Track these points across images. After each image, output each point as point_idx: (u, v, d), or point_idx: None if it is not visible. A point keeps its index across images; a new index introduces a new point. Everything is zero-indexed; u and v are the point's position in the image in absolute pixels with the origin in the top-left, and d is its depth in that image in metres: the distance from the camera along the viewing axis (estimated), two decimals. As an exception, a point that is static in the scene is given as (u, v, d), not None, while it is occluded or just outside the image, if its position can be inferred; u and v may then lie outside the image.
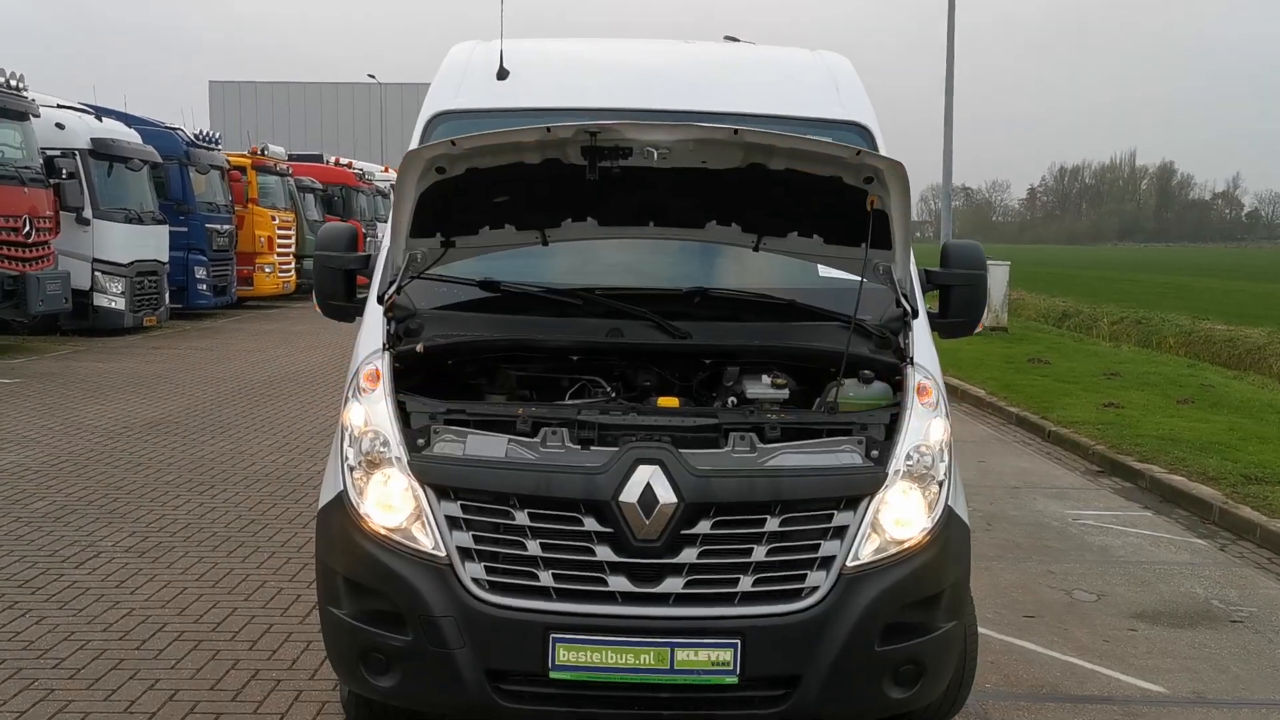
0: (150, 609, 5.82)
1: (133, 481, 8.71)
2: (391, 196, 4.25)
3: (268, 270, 25.38)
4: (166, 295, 20.90)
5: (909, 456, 3.82)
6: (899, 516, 3.79)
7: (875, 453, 3.84)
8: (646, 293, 4.51)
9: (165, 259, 20.74)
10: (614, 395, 4.40)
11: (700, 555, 3.61)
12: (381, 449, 3.85)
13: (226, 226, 23.76)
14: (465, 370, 4.48)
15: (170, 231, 21.06)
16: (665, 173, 4.03)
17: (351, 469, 3.90)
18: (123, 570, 6.44)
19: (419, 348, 4.17)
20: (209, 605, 5.88)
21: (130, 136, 20.49)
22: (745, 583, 3.63)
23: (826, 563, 3.67)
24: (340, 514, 3.87)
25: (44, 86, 19.12)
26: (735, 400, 4.33)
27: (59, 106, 19.45)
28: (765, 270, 4.76)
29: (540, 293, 4.50)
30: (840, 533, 3.69)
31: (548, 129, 3.79)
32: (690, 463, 3.64)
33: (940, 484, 3.88)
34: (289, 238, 26.89)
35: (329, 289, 4.86)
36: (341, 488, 3.92)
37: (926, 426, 3.91)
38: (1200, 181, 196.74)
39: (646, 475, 3.62)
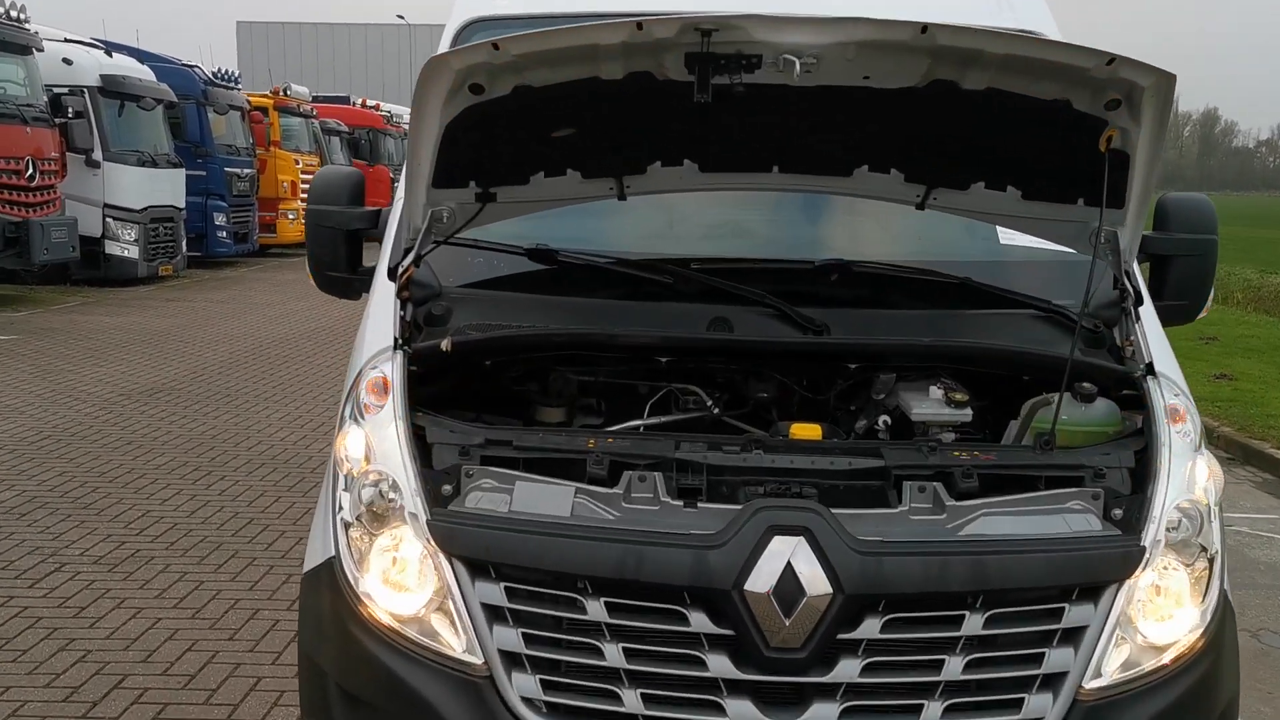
0: (109, 652, 4.65)
1: (119, 465, 7.60)
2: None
3: (291, 217, 24.20)
4: (183, 243, 19.81)
5: (1171, 519, 2.57)
6: (1161, 611, 2.54)
7: (1119, 512, 2.60)
8: (764, 266, 3.26)
9: (182, 204, 19.63)
10: (717, 411, 3.14)
11: (865, 671, 2.42)
12: (390, 498, 2.64)
13: (247, 170, 22.58)
14: (509, 375, 3.23)
15: (187, 175, 19.94)
16: (805, 95, 2.74)
17: (347, 525, 2.69)
18: (85, 592, 5.29)
19: (445, 344, 2.93)
20: (183, 647, 4.70)
21: (143, 74, 19.31)
22: (933, 711, 2.41)
23: (1054, 682, 2.47)
24: (331, 589, 2.69)
25: (50, 20, 17.94)
26: (888, 422, 3.06)
27: (66, 41, 18.26)
28: (927, 236, 3.49)
29: (614, 266, 3.25)
30: (1074, 637, 2.47)
31: (638, 24, 2.53)
32: (849, 530, 2.40)
33: (1212, 558, 2.62)
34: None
35: (326, 255, 3.62)
36: (333, 552, 2.71)
37: (1189, 470, 2.66)
38: (1244, 129, 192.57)
39: (785, 551, 2.41)
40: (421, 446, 2.72)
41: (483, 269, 3.33)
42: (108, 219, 17.96)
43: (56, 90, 16.90)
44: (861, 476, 2.68)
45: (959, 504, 2.58)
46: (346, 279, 3.63)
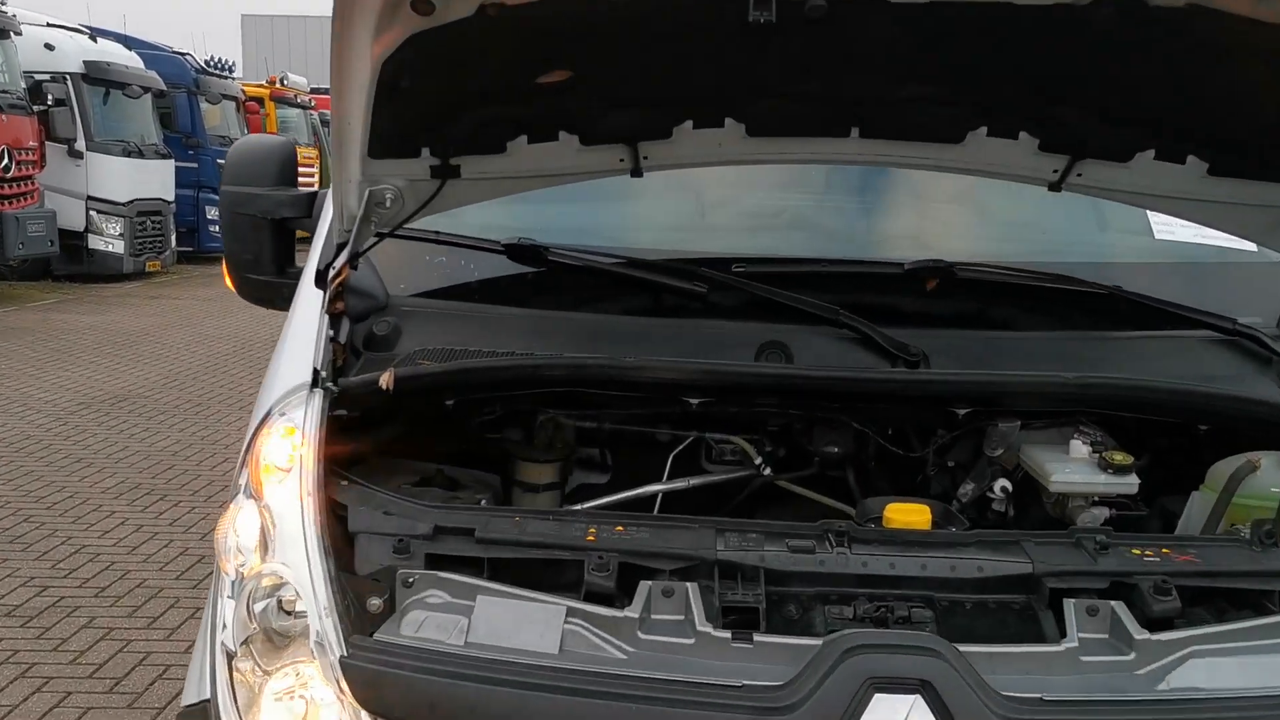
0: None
1: (63, 488, 6.73)
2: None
3: (288, 211, 23.34)
4: (173, 238, 18.95)
5: None
6: None
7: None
8: (834, 270, 2.37)
9: (171, 197, 18.76)
10: (767, 472, 2.26)
11: None
12: (292, 615, 1.72)
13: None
14: (480, 419, 2.34)
15: (178, 167, 19.05)
16: (908, 18, 1.83)
17: (230, 655, 1.78)
18: (-21, 664, 4.38)
19: (384, 380, 2.03)
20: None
21: (130, 60, 18.47)
22: None
23: None
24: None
25: (32, 4, 17.12)
26: (1008, 489, 2.17)
27: (49, 26, 17.41)
28: (1056, 229, 2.59)
29: (625, 269, 2.36)
30: None
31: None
32: (989, 681, 1.49)
33: None
34: (312, 176, 24.81)
35: (245, 251, 2.74)
36: (208, 692, 1.81)
37: None
38: None
39: (894, 718, 1.49)
40: (341, 535, 1.83)
41: (444, 272, 2.44)
42: (91, 212, 17.12)
43: (37, 77, 16.05)
44: (999, 589, 1.78)
45: (1153, 637, 1.68)
46: (272, 284, 2.74)
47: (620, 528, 1.90)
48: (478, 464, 2.55)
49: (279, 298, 2.76)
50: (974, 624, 1.75)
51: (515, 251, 2.40)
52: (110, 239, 17.36)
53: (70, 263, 16.85)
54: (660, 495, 2.37)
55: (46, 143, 16.16)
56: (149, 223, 18.15)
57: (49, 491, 6.64)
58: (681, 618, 1.73)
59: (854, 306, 2.30)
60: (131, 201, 17.56)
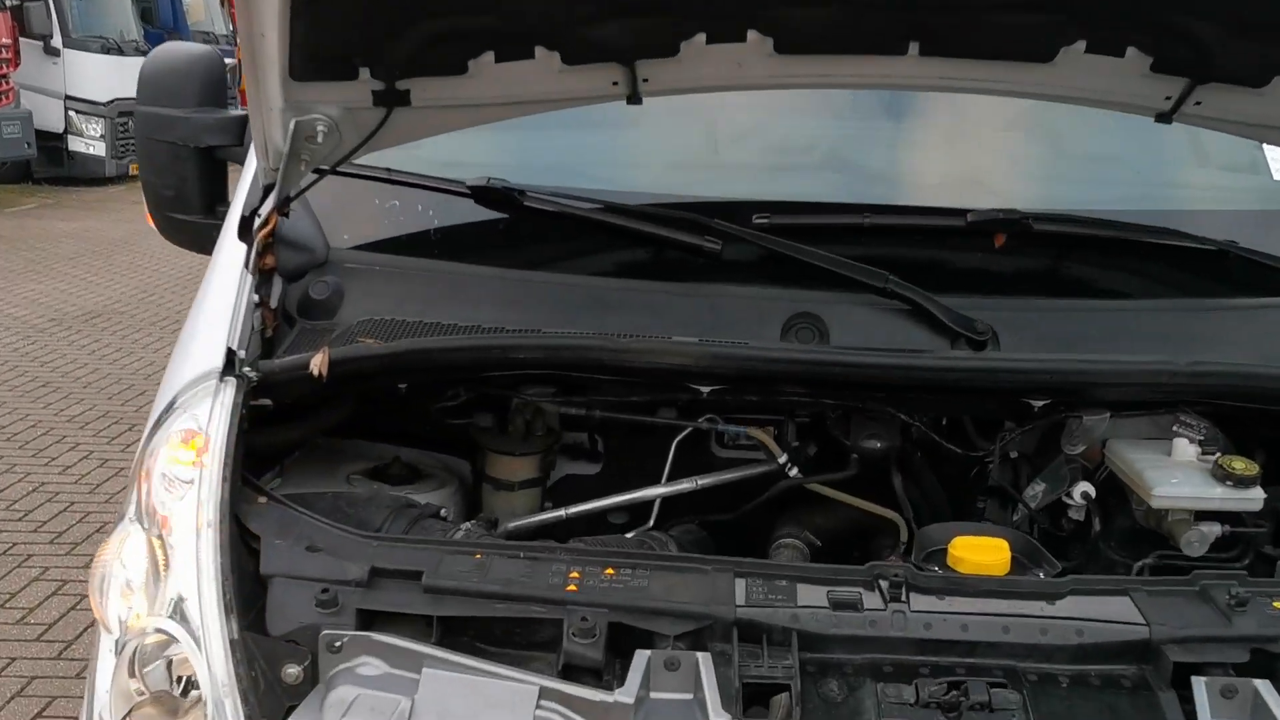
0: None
1: (25, 416, 6.37)
2: None
3: (277, 110, 22.64)
4: (156, 139, 18.31)
5: None
6: None
7: None
8: (879, 224, 1.91)
9: (153, 96, 18.06)
10: (794, 472, 1.84)
11: None
12: (184, 683, 1.29)
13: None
14: (444, 404, 1.91)
15: (159, 65, 18.30)
16: None
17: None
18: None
19: (315, 364, 1.59)
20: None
21: (107, -51, 17.61)
22: None
23: None
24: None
25: (0, -113, 16.21)
26: (1090, 496, 1.74)
27: (20, -89, 16.55)
28: (1151, 171, 2.11)
29: (618, 219, 1.91)
30: None
31: None
32: None
33: None
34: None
35: (165, 185, 2.28)
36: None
37: None
38: None
39: None
40: (252, 579, 1.41)
41: (396, 220, 2.00)
42: (70, 112, 16.48)
43: (9, -31, 15.28)
44: (1104, 658, 1.36)
45: None
46: (200, 225, 2.29)
47: (610, 570, 1.48)
48: (446, 446, 2.13)
49: (210, 242, 2.30)
50: (1073, 709, 1.35)
51: (483, 195, 1.94)
52: (91, 140, 16.75)
53: (50, 165, 16.30)
54: (660, 500, 1.96)
55: (21, 39, 15.46)
56: (131, 123, 17.52)
57: (10, 420, 6.24)
58: (690, 697, 1.33)
59: (904, 268, 1.85)
60: (112, 101, 16.87)
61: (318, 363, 1.70)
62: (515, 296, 1.87)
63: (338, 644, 1.40)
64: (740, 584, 1.47)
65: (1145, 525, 1.82)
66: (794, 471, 1.95)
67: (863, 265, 1.83)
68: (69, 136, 16.52)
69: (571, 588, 1.45)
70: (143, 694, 1.42)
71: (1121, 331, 1.85)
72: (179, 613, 1.43)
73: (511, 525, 2.02)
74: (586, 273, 1.91)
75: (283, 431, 1.84)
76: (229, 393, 1.64)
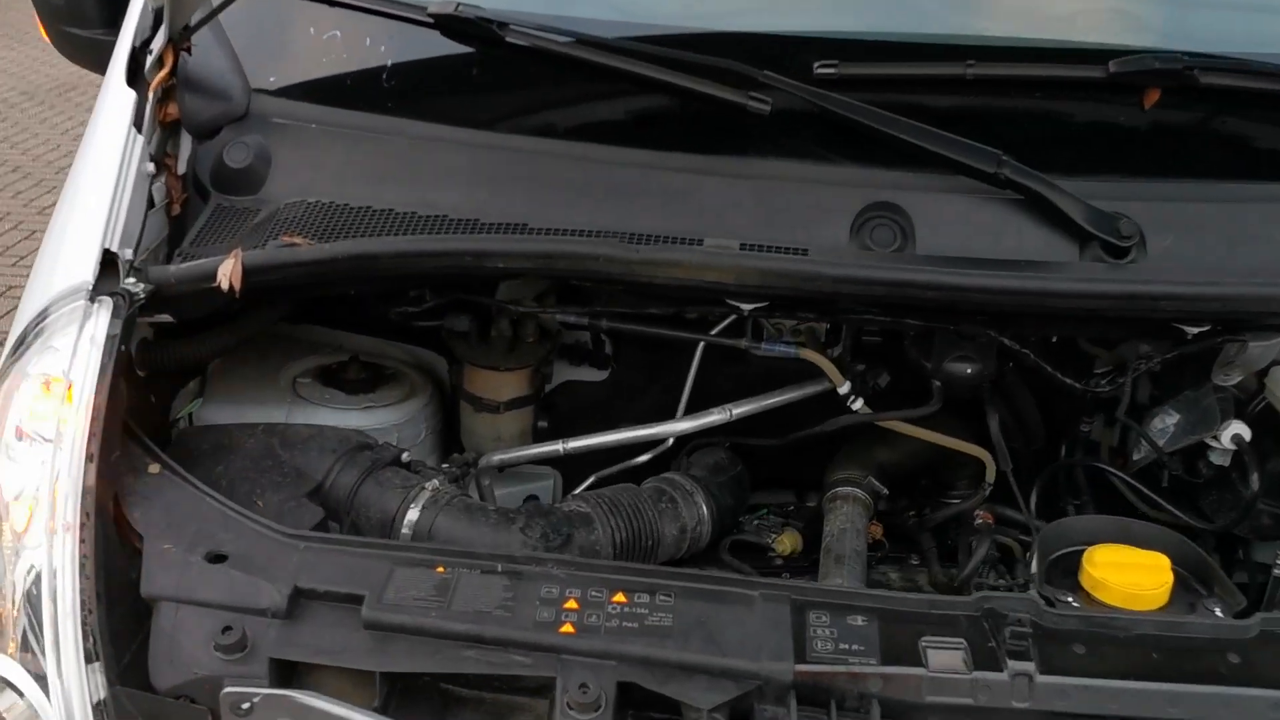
0: None
1: (-13, 210, 5.84)
2: None
3: None
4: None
5: None
6: None
7: None
8: (982, 73, 1.41)
9: None
10: (856, 405, 1.42)
11: None
12: None
13: None
14: (401, 306, 1.46)
15: None
16: None
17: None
18: None
19: (224, 274, 1.13)
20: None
21: None
22: None
23: None
24: None
25: None
26: (1242, 439, 1.31)
27: None
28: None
29: (631, 62, 1.39)
30: None
31: None
32: None
33: None
34: None
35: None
36: None
37: None
38: None
39: None
40: (126, 615, 1.02)
41: (338, 57, 1.51)
42: None
43: None
44: None
45: None
46: (100, 42, 1.79)
47: (621, 596, 1.08)
48: (417, 337, 1.70)
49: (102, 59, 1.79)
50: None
51: (450, 26, 1.42)
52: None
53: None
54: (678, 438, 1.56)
55: None
56: None
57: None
58: None
59: (1017, 139, 1.36)
60: None
61: (227, 272, 1.25)
62: (493, 170, 1.39)
63: (245, 705, 1.02)
64: (799, 617, 1.08)
65: None
66: (858, 404, 1.52)
67: (967, 142, 1.34)
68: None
69: (567, 627, 1.06)
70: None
71: None
72: (29, 648, 1.05)
73: (496, 459, 1.62)
74: (586, 138, 1.42)
75: (194, 345, 1.41)
76: (103, 317, 1.20)
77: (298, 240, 1.32)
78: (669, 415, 1.67)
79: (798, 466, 1.72)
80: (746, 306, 1.38)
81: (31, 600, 1.05)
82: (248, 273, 1.27)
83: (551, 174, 1.40)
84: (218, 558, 1.12)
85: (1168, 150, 1.47)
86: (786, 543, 1.59)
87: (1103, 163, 1.44)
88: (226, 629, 1.05)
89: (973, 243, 1.37)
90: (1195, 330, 1.35)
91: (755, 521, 1.65)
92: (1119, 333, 1.44)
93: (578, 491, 1.67)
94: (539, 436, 1.71)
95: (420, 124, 1.45)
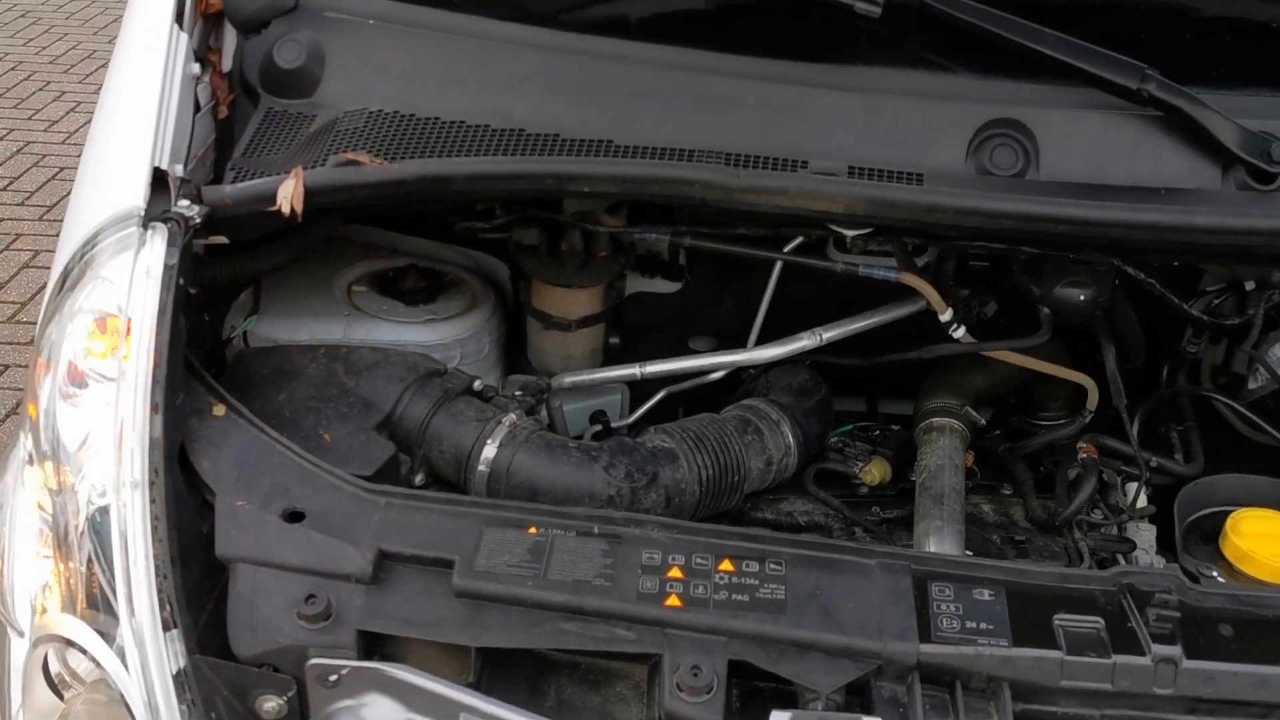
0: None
1: (4, 57, 5.71)
2: None
3: None
4: None
5: None
6: None
7: None
8: None
9: None
10: (958, 331, 1.32)
11: None
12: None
13: None
14: (468, 221, 1.36)
15: None
16: None
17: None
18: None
19: (283, 195, 1.05)
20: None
21: None
22: None
23: None
24: None
25: None
26: None
27: None
28: None
29: None
30: None
31: None
32: None
33: None
34: None
35: None
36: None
37: None
38: None
39: None
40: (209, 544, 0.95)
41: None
42: None
43: None
44: None
45: None
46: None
47: (728, 565, 1.00)
48: (478, 242, 1.60)
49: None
50: None
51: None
52: None
53: None
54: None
55: None
56: None
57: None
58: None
59: (1155, 46, 1.22)
60: None
61: (288, 194, 1.14)
62: (574, 78, 1.25)
63: (333, 677, 0.96)
64: (920, 590, 1.00)
65: None
66: (960, 333, 1.42)
67: (1108, 54, 1.20)
68: None
69: (673, 599, 0.98)
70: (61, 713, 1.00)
71: None
72: (104, 608, 0.98)
73: (569, 380, 1.53)
74: (677, 42, 1.28)
75: (250, 261, 1.31)
76: (158, 246, 1.10)
77: (362, 158, 1.20)
78: (741, 329, 1.57)
79: (872, 376, 1.63)
80: (850, 233, 1.26)
81: (101, 560, 0.99)
82: (309, 194, 1.16)
83: (638, 82, 1.26)
84: (295, 515, 1.05)
85: None
86: (875, 472, 1.51)
87: (1245, 74, 1.30)
88: (310, 597, 0.99)
89: (1103, 166, 1.24)
90: None
91: (840, 444, 1.57)
92: (1261, 265, 1.33)
93: (647, 407, 1.59)
94: (609, 352, 1.62)
95: (493, 23, 1.31)
